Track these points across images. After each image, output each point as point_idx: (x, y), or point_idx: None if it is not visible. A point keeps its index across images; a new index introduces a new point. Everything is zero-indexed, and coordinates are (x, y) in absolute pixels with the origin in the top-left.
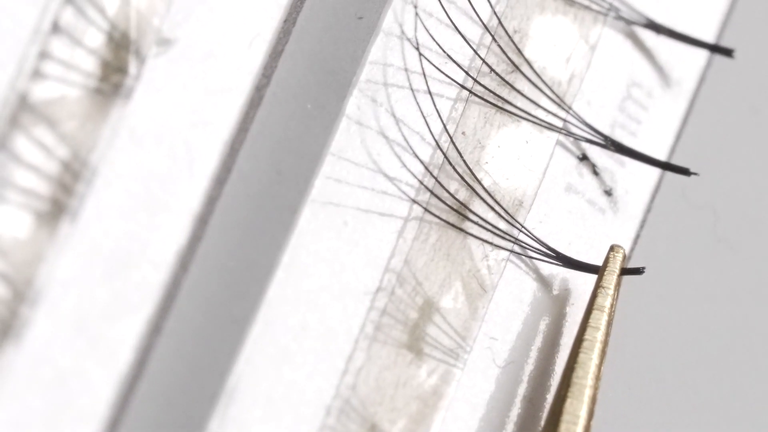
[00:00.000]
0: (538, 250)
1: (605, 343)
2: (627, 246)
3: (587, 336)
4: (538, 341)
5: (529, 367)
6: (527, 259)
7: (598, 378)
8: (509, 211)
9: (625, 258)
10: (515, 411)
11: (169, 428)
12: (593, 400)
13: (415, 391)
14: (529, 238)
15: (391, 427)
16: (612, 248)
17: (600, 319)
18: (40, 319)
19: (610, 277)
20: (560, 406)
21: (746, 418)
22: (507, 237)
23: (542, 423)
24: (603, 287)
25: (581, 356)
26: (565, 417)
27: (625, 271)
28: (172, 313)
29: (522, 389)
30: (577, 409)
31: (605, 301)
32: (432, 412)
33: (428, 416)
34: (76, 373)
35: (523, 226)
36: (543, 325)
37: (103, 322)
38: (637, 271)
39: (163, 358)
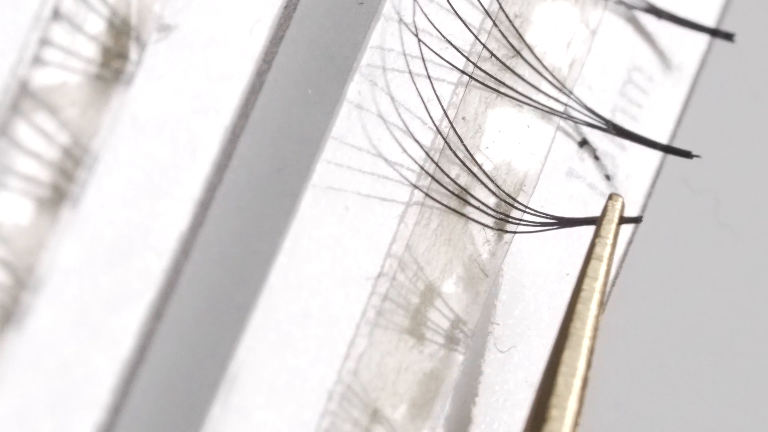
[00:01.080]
0: (535, 223)
1: (603, 294)
2: (628, 231)
3: (585, 286)
4: (541, 326)
5: (532, 351)
6: (528, 244)
7: (596, 329)
8: (511, 196)
9: (623, 207)
10: (517, 395)
11: (171, 415)
12: (591, 351)
13: (416, 376)
14: (524, 213)
15: (393, 412)
16: (610, 197)
17: (598, 269)
18: (42, 306)
19: (609, 227)
20: (558, 357)
21: (747, 402)
22: (499, 213)
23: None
24: (601, 237)
25: (579, 307)
26: (563, 369)
27: (623, 220)
28: (173, 299)
29: (524, 374)
30: (575, 360)
31: (603, 250)
32: (434, 397)
33: (430, 401)
34: (78, 360)
35: (515, 200)
36: (545, 310)
37: (105, 308)
38: (636, 220)
39: (165, 345)
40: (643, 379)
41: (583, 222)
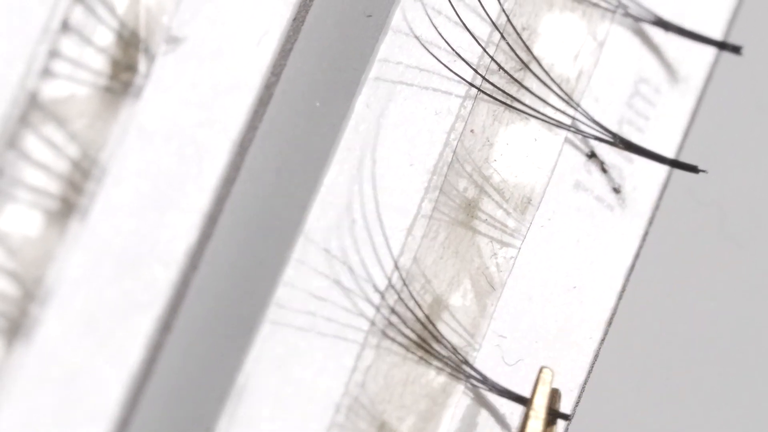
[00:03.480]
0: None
1: None
2: (635, 243)
3: None
4: (548, 338)
5: (539, 364)
6: (535, 256)
7: None
8: (518, 209)
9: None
10: (524, 409)
11: (179, 427)
12: None
13: (423, 388)
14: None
15: (400, 424)
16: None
17: None
18: (50, 317)
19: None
20: None
21: (751, 411)
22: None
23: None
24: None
25: None
26: None
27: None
28: (181, 311)
29: (531, 387)
30: None
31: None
32: (441, 410)
33: (437, 414)
34: (85, 371)
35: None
36: (552, 323)
37: (112, 320)
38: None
39: (173, 357)
40: (646, 390)
41: None
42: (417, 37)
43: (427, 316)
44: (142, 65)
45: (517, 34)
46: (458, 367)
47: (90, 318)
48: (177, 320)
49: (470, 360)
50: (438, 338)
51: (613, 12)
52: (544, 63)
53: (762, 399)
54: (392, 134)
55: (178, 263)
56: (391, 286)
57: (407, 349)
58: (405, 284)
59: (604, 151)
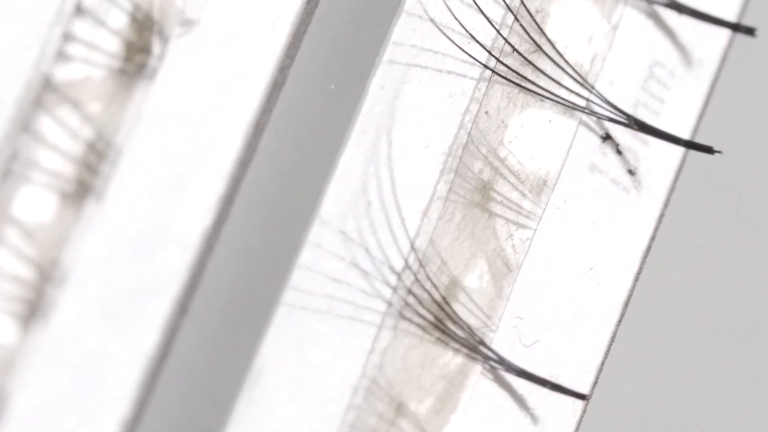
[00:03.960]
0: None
1: None
2: (651, 225)
3: None
4: (564, 320)
5: (555, 345)
6: (551, 238)
7: None
8: (533, 191)
9: None
10: (541, 390)
11: (196, 410)
12: None
13: (441, 370)
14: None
15: (418, 406)
16: None
17: None
18: (67, 300)
19: None
20: None
21: (764, 391)
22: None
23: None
24: None
25: None
26: None
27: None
28: (197, 294)
29: (548, 368)
30: None
31: None
32: (458, 391)
33: (454, 395)
34: (102, 354)
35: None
36: (568, 304)
37: (129, 303)
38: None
39: (190, 340)
40: (663, 374)
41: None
42: (431, 20)
43: (443, 298)
44: (156, 48)
45: (531, 16)
46: (475, 348)
47: (106, 300)
48: (193, 303)
49: (487, 341)
50: (455, 319)
51: None
52: (558, 46)
53: None
54: (407, 117)
55: (194, 246)
56: (407, 267)
57: (424, 330)
58: (421, 265)
59: (619, 133)
